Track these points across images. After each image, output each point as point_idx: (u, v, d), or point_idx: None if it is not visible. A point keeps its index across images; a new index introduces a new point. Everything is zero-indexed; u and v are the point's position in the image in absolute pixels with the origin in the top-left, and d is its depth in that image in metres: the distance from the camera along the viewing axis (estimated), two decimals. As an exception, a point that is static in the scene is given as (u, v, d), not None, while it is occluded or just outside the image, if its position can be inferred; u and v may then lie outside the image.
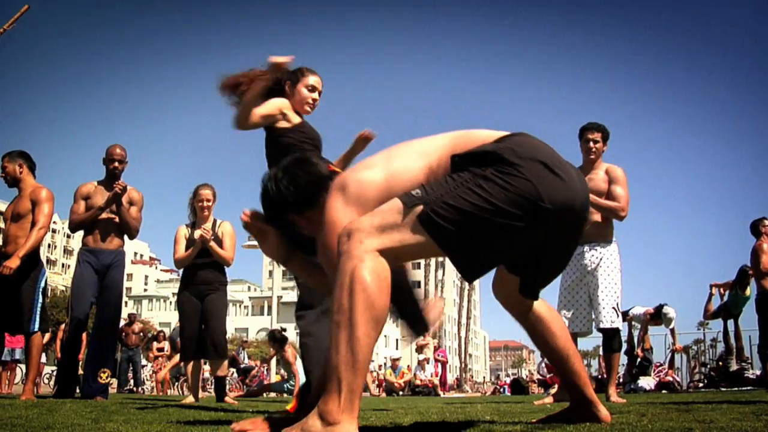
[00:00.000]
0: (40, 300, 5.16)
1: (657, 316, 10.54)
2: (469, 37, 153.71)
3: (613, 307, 4.94)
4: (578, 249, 4.88)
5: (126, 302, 72.67)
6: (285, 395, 10.83)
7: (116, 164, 5.65)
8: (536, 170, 1.72)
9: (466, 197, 1.70)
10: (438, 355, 14.65)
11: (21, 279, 5.00)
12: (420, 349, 14.58)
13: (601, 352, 5.96)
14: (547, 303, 2.23)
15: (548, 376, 12.98)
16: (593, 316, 5.05)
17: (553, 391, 9.43)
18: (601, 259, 4.98)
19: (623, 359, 10.36)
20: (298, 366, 10.43)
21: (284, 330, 12.53)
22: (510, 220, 1.69)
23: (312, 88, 3.33)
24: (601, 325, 4.95)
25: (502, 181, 1.70)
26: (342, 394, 1.59)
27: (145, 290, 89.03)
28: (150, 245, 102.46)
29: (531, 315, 2.17)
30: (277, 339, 11.14)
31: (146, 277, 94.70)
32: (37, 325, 5.11)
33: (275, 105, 3.23)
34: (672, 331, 11.20)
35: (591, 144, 5.01)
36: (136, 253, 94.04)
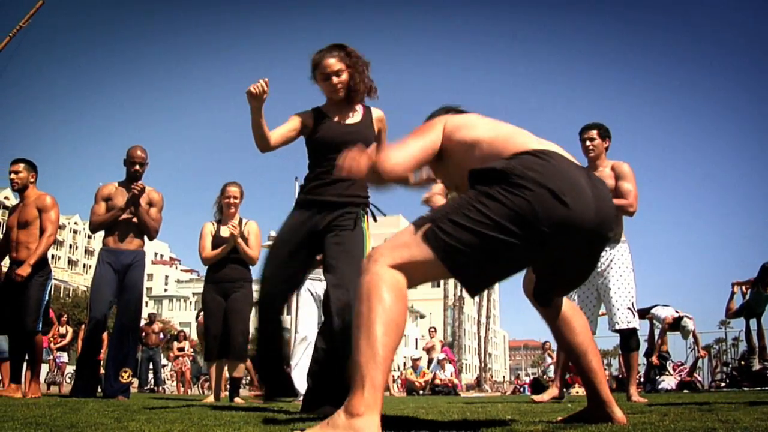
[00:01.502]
0: (46, 300, 5.30)
1: (676, 327, 10.47)
2: (475, 37, 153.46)
3: (629, 307, 4.90)
4: None
5: (146, 302, 73.19)
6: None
7: (137, 167, 5.72)
8: (539, 194, 1.78)
9: (468, 213, 1.81)
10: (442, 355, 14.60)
11: (28, 279, 5.15)
12: (428, 351, 14.62)
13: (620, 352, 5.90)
14: (571, 301, 2.28)
15: (567, 375, 12.85)
16: (608, 317, 5.02)
17: (573, 390, 9.40)
18: (611, 260, 4.95)
19: (642, 360, 10.28)
20: None
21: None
22: (505, 236, 1.77)
23: (325, 77, 3.21)
24: (617, 327, 4.92)
25: (502, 197, 1.79)
26: (365, 390, 1.64)
27: (166, 290, 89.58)
28: (170, 245, 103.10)
29: (554, 311, 2.22)
30: None
31: (166, 277, 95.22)
32: (41, 325, 5.26)
33: (294, 119, 3.25)
34: (695, 337, 11.09)
35: (588, 143, 5.09)
36: (156, 254, 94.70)
